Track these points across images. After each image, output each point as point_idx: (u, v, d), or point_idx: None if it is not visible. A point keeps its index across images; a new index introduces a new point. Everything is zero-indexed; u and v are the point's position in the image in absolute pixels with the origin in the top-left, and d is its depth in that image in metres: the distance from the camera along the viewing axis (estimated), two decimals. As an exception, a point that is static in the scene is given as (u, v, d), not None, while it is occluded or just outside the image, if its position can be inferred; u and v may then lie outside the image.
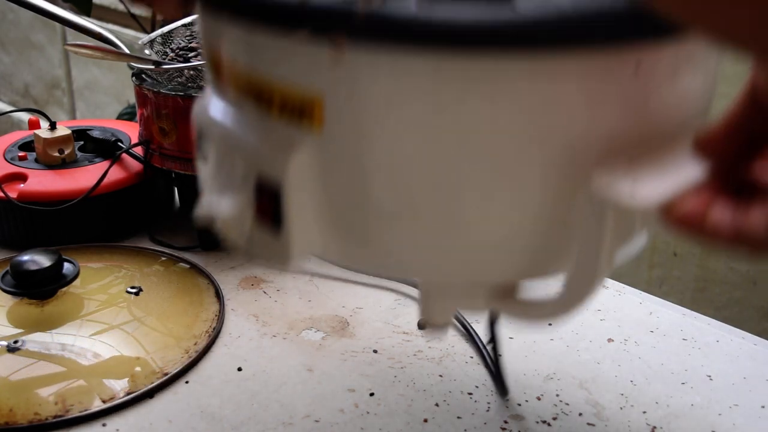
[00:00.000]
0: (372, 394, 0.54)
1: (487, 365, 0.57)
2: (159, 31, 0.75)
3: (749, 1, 0.24)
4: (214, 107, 0.37)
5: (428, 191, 0.33)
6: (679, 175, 0.32)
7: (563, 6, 0.29)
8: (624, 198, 0.31)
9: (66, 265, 0.60)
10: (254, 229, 0.35)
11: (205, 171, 0.38)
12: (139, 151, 0.74)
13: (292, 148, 0.33)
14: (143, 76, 0.69)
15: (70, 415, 0.51)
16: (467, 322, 0.60)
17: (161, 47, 0.73)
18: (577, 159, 0.32)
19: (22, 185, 0.71)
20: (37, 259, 0.59)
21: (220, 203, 0.36)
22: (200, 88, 0.66)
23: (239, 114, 0.36)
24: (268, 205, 0.34)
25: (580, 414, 0.52)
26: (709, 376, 0.56)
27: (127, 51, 0.70)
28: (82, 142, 0.77)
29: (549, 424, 0.52)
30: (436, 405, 0.53)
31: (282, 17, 0.31)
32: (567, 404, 0.53)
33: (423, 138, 0.32)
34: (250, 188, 0.35)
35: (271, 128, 0.34)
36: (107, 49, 0.69)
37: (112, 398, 0.53)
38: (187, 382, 0.55)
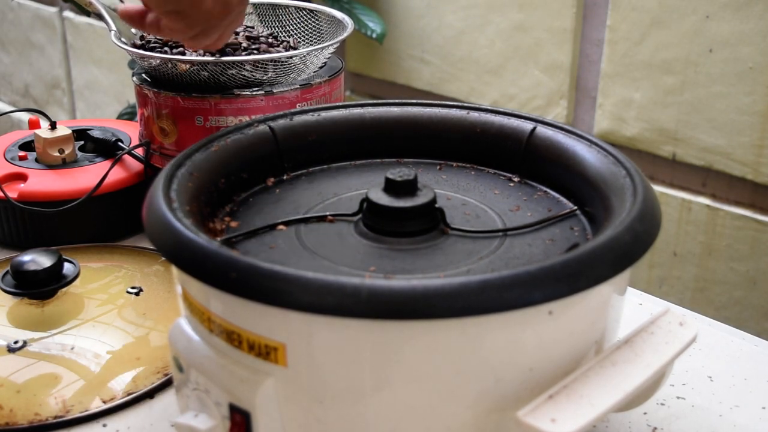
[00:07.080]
0: None
1: None
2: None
3: None
4: (189, 338, 0.42)
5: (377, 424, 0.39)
6: (593, 408, 0.37)
7: (487, 278, 0.35)
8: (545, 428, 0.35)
9: (66, 265, 0.60)
10: None
11: (181, 381, 0.43)
12: (139, 150, 0.74)
13: (260, 379, 0.39)
14: (143, 75, 0.69)
15: (70, 416, 0.51)
16: None
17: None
18: (501, 391, 0.38)
19: (22, 185, 0.71)
20: (38, 259, 0.59)
21: (197, 421, 0.41)
22: (175, 83, 0.66)
23: (212, 348, 0.41)
24: (240, 425, 0.40)
25: (581, 415, 0.52)
26: (710, 377, 0.56)
27: (114, 27, 0.70)
28: (82, 142, 0.77)
29: (549, 425, 0.51)
30: None
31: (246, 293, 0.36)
32: (567, 405, 0.53)
33: (372, 379, 0.37)
34: (225, 411, 0.40)
35: (241, 360, 0.39)
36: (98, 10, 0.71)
37: (112, 398, 0.53)
38: (187, 383, 0.55)
